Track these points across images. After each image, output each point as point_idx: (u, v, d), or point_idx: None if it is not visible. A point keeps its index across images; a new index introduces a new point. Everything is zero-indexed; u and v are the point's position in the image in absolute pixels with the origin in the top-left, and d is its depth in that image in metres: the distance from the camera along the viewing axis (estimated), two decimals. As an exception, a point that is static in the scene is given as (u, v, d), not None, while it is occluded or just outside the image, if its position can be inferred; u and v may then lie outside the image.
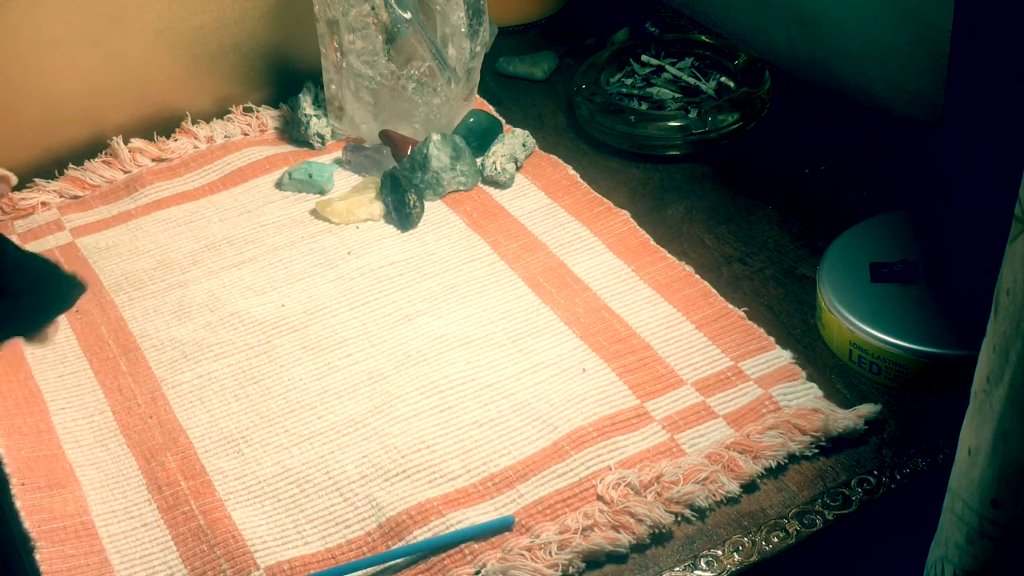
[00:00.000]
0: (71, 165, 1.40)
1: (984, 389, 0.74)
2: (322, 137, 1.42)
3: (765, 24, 1.51)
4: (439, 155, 1.32)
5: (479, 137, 1.38)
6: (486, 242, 1.27)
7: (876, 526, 0.99)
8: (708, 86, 1.42)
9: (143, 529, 1.01)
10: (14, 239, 1.32)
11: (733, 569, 0.93)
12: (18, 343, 0.95)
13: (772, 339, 1.11)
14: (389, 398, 1.09)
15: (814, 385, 1.07)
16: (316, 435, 1.07)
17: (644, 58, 1.46)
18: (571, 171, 1.35)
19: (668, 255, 1.23)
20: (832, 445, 1.02)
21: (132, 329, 1.20)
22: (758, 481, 1.00)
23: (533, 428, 1.05)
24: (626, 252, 1.23)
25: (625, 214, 1.28)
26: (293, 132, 1.44)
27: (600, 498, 0.98)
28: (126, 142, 1.42)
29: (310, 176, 1.35)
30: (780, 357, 1.10)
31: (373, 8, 1.32)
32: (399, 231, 1.29)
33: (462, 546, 0.96)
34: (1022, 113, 1.13)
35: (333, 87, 1.39)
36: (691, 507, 0.97)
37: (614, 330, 1.14)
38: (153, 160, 1.42)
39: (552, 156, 1.38)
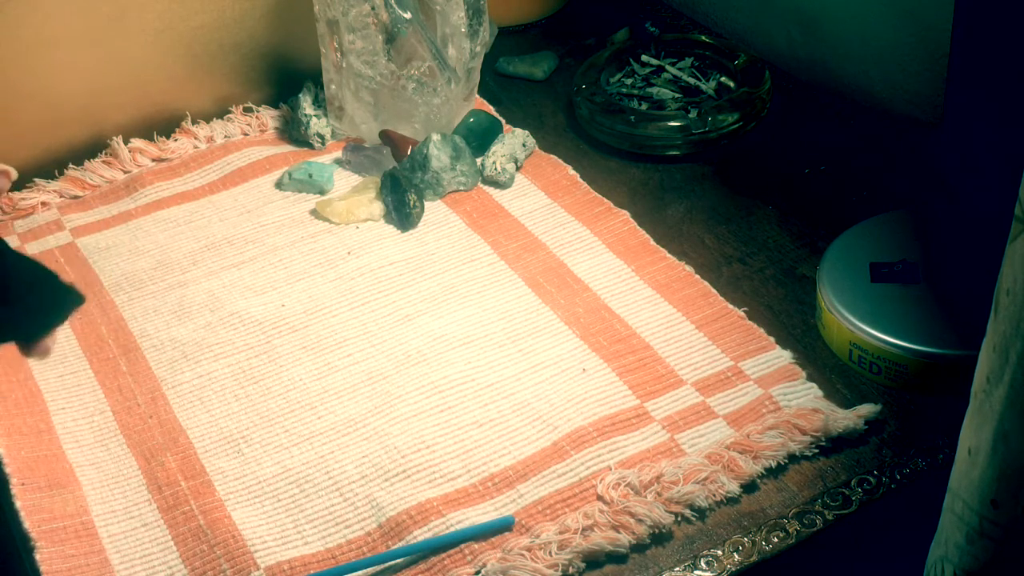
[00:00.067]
0: (71, 165, 1.40)
1: (984, 389, 0.74)
2: (322, 137, 1.42)
3: (765, 24, 1.51)
4: (439, 155, 1.32)
5: (479, 137, 1.38)
6: (486, 242, 1.27)
7: (876, 526, 0.99)
8: (708, 86, 1.42)
9: (143, 529, 1.01)
10: (14, 239, 1.32)
11: (733, 569, 0.93)
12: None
13: (772, 339, 1.11)
14: (389, 398, 1.09)
15: (814, 385, 1.07)
16: (316, 435, 1.07)
17: (644, 58, 1.46)
18: (571, 171, 1.35)
19: (668, 255, 1.23)
20: (832, 445, 1.02)
21: (132, 329, 1.20)
22: (758, 481, 1.00)
23: (533, 428, 1.05)
24: (626, 252, 1.23)
25: (625, 214, 1.28)
26: (293, 132, 1.44)
27: (600, 498, 0.98)
28: (126, 142, 1.42)
29: (310, 176, 1.35)
30: (780, 357, 1.10)
31: (373, 8, 1.32)
32: (399, 231, 1.29)
33: (462, 546, 0.96)
34: (1022, 113, 1.13)
35: (333, 87, 1.39)
36: (691, 507, 0.97)
37: (614, 330, 1.14)
38: (153, 160, 1.42)
39: (552, 156, 1.38)
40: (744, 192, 1.31)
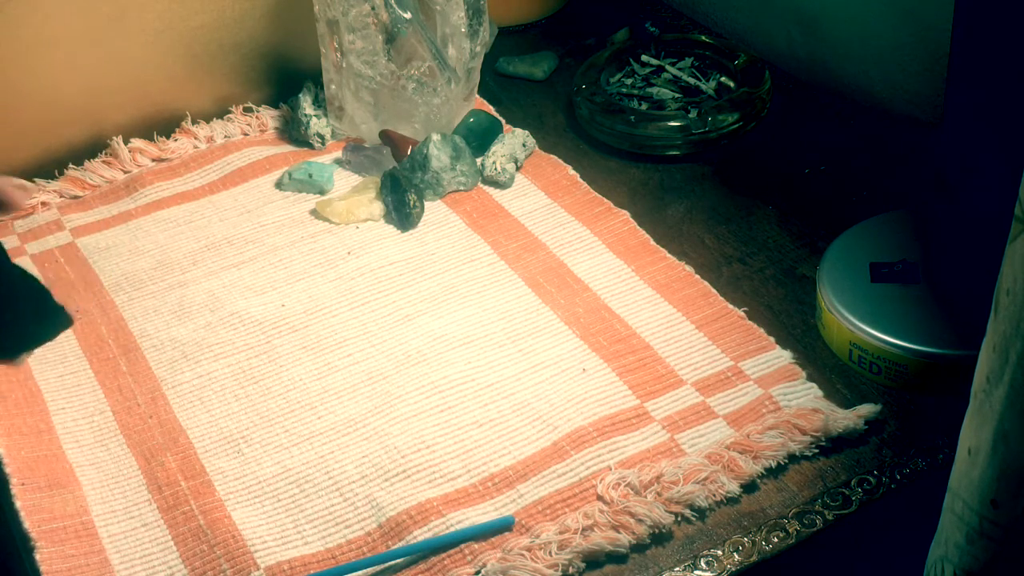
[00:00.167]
0: (71, 165, 1.40)
1: (984, 389, 0.74)
2: (322, 137, 1.42)
3: (765, 24, 1.51)
4: (439, 155, 1.32)
5: (479, 137, 1.38)
6: (486, 242, 1.27)
7: (876, 526, 0.99)
8: (708, 86, 1.42)
9: (143, 529, 1.01)
10: (14, 239, 1.32)
11: (733, 569, 0.93)
12: None
13: (772, 339, 1.11)
14: (389, 398, 1.09)
15: (814, 385, 1.07)
16: (316, 435, 1.07)
17: (644, 58, 1.46)
18: (571, 171, 1.35)
19: (668, 255, 1.23)
20: (832, 445, 1.02)
21: (132, 329, 1.20)
22: (758, 481, 0.99)
23: (533, 428, 1.05)
24: (626, 252, 1.23)
25: (625, 214, 1.28)
26: (293, 132, 1.44)
27: (600, 498, 0.98)
28: (126, 142, 1.42)
29: (310, 176, 1.35)
30: (780, 357, 1.10)
31: (373, 8, 1.32)
32: (399, 231, 1.29)
33: (462, 546, 0.96)
34: (1022, 113, 1.13)
35: (333, 87, 1.39)
36: (691, 507, 0.97)
37: (614, 330, 1.14)
38: (153, 160, 1.42)
39: (552, 156, 1.38)
40: (744, 192, 1.31)
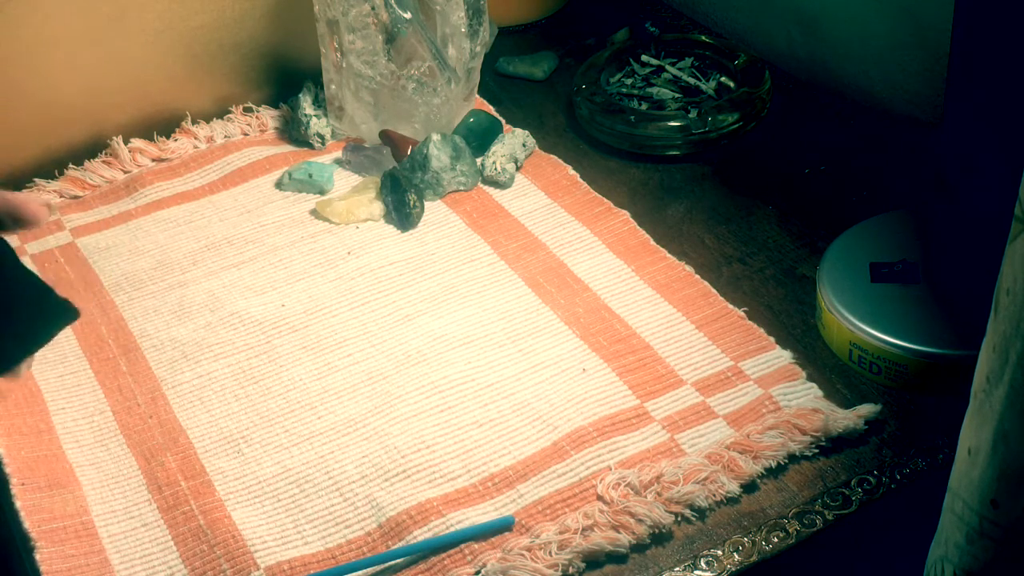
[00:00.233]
0: (71, 165, 1.40)
1: (984, 389, 0.73)
2: (322, 137, 1.42)
3: (765, 24, 1.51)
4: (439, 155, 1.32)
5: (479, 137, 1.38)
6: (486, 242, 1.27)
7: (876, 526, 0.99)
8: (708, 86, 1.42)
9: (143, 529, 1.01)
10: (14, 239, 1.32)
11: (733, 569, 0.93)
12: None
13: (772, 339, 1.11)
14: (389, 398, 1.09)
15: (814, 385, 1.07)
16: (316, 435, 1.07)
17: (644, 58, 1.46)
18: (571, 171, 1.35)
19: (668, 255, 1.23)
20: (832, 445, 1.02)
21: (132, 329, 1.20)
22: (758, 481, 0.99)
23: (533, 428, 1.05)
24: (626, 252, 1.23)
25: (625, 214, 1.28)
26: (293, 132, 1.44)
27: (600, 498, 0.98)
28: (126, 142, 1.42)
29: (310, 176, 1.35)
30: (780, 357, 1.10)
31: (373, 8, 1.32)
32: (399, 231, 1.29)
33: (462, 546, 0.96)
34: (1022, 113, 1.13)
35: (333, 87, 1.39)
36: (691, 507, 0.97)
37: (614, 330, 1.14)
38: (153, 160, 1.42)
39: (552, 156, 1.38)
40: (744, 192, 1.31)
